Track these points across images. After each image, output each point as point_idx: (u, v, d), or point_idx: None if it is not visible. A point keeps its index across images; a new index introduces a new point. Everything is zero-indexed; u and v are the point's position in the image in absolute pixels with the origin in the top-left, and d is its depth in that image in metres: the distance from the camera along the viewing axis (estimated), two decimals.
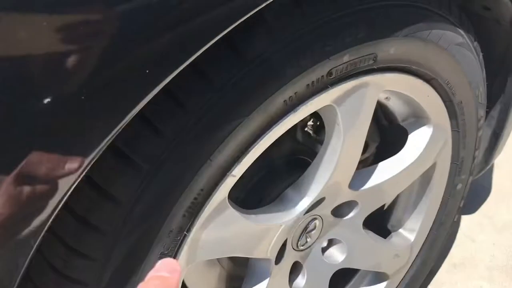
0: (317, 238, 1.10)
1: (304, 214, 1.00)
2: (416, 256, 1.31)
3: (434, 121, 1.06)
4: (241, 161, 0.75)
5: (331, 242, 1.15)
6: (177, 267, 0.49)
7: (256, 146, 0.76)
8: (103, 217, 0.66)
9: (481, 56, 1.07)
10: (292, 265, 1.09)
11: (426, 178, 1.21)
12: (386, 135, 1.16)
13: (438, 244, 1.32)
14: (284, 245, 1.02)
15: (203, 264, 1.10)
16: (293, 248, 1.05)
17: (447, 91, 1.01)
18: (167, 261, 0.50)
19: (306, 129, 1.02)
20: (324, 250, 1.15)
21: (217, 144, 0.69)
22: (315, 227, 1.07)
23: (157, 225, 0.69)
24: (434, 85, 0.99)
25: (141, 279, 0.70)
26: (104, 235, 0.67)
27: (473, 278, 1.53)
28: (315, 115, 0.99)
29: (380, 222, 1.26)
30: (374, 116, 1.11)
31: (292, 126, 1.02)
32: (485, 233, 1.64)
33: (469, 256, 1.59)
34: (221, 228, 0.80)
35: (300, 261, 1.09)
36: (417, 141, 1.08)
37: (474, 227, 1.66)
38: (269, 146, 1.01)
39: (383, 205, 1.30)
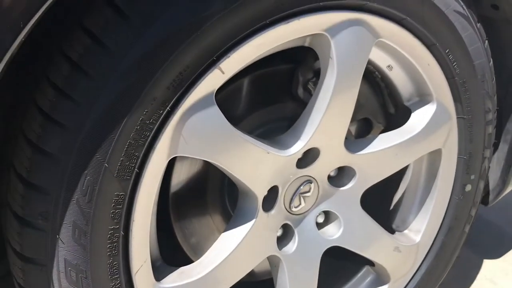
0: (312, 206, 1.09)
1: (298, 168, 1.01)
2: (422, 262, 1.24)
3: (438, 98, 1.08)
4: (229, 56, 0.81)
5: (328, 219, 1.13)
6: None
7: (245, 45, 0.82)
8: (94, 63, 0.73)
9: (486, 43, 1.10)
10: (285, 228, 1.08)
11: (432, 172, 1.19)
12: (392, 123, 1.17)
13: (446, 253, 1.25)
14: (275, 196, 1.02)
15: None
16: (285, 207, 1.05)
17: (448, 63, 1.04)
18: None
19: (308, 86, 1.07)
20: (320, 226, 1.12)
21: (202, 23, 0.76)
22: (309, 190, 1.06)
23: (142, 81, 0.74)
24: (434, 53, 1.03)
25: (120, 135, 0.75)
26: (92, 80, 0.73)
27: None
28: (318, 74, 1.03)
29: (385, 222, 1.23)
30: (379, 94, 1.16)
31: (294, 84, 1.09)
32: (508, 278, 1.53)
33: None
34: (204, 126, 0.83)
35: (291, 225, 1.07)
36: (420, 116, 1.09)
37: (497, 272, 1.56)
38: (269, 103, 1.08)
39: (389, 203, 1.27)
